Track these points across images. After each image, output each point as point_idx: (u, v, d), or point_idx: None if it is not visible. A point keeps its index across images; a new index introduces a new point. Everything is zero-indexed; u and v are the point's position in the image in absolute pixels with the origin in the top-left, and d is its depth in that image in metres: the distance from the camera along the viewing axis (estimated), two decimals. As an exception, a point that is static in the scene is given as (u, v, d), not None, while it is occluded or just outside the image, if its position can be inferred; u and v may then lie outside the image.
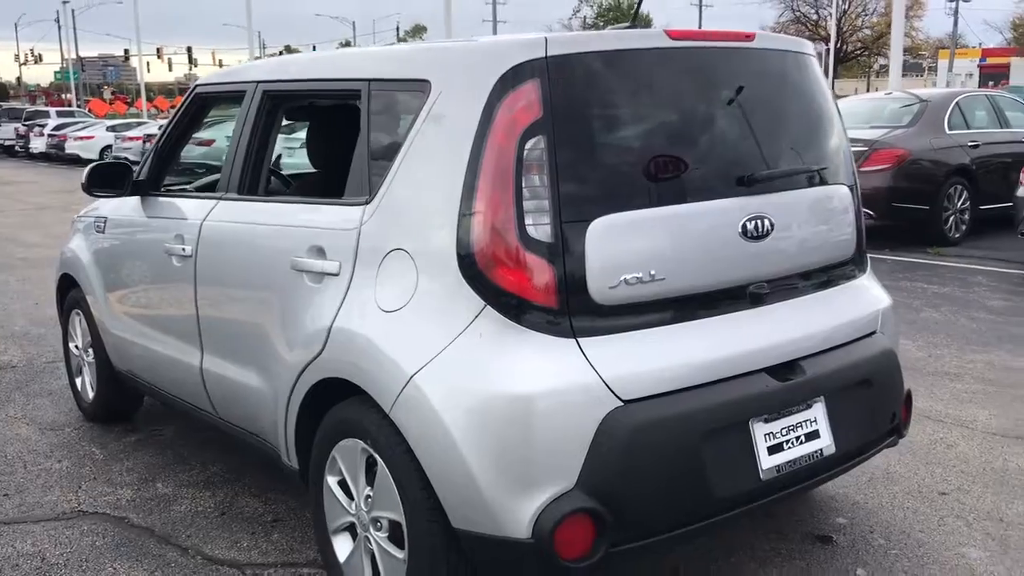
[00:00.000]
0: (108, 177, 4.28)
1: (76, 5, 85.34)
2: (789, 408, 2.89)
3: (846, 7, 66.51)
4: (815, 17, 69.99)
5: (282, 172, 4.92)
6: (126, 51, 76.12)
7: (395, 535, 2.83)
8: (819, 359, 3.01)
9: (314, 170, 4.38)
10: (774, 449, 2.84)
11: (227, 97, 4.01)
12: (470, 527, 2.58)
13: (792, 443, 2.89)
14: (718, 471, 2.69)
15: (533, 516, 2.49)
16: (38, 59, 77.76)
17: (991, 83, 38.50)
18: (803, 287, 3.10)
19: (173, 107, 48.23)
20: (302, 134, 4.80)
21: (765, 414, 2.82)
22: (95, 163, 4.36)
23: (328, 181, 3.81)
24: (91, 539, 3.67)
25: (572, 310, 2.59)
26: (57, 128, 31.21)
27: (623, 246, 2.64)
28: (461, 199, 2.63)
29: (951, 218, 10.13)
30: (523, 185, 2.57)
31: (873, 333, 3.26)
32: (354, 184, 3.11)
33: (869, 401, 3.12)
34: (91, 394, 5.00)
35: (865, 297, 3.32)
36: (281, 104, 3.65)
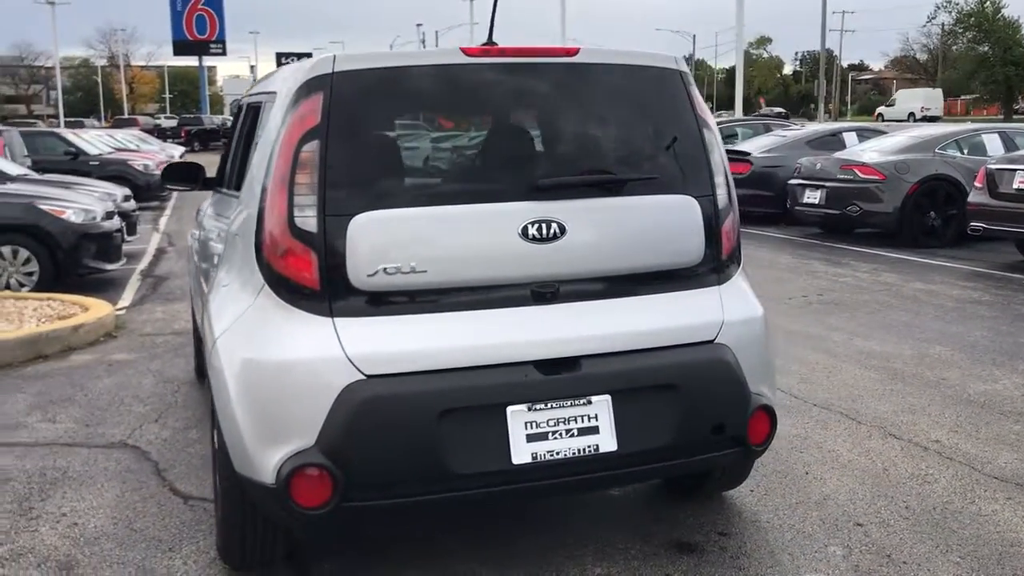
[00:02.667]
0: (182, 174, 5.17)
1: (439, 26, 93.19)
2: (559, 401, 3.05)
3: None
4: None
5: None
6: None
7: (231, 475, 3.36)
8: (606, 359, 3.12)
9: None
10: (535, 437, 3.02)
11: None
12: (242, 471, 3.06)
13: (560, 434, 3.05)
14: (461, 449, 2.95)
15: (276, 465, 2.92)
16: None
17: None
18: (612, 289, 3.21)
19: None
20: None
21: (527, 403, 3.02)
22: (171, 162, 5.28)
23: None
24: (110, 464, 4.56)
25: (332, 293, 2.98)
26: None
27: (384, 240, 2.98)
28: (260, 192, 3.12)
29: None
30: (296, 181, 3.00)
31: (710, 342, 3.28)
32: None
33: (676, 408, 3.16)
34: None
35: (703, 306, 3.33)
36: (250, 113, 4.31)
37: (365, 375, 2.92)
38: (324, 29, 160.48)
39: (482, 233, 3.07)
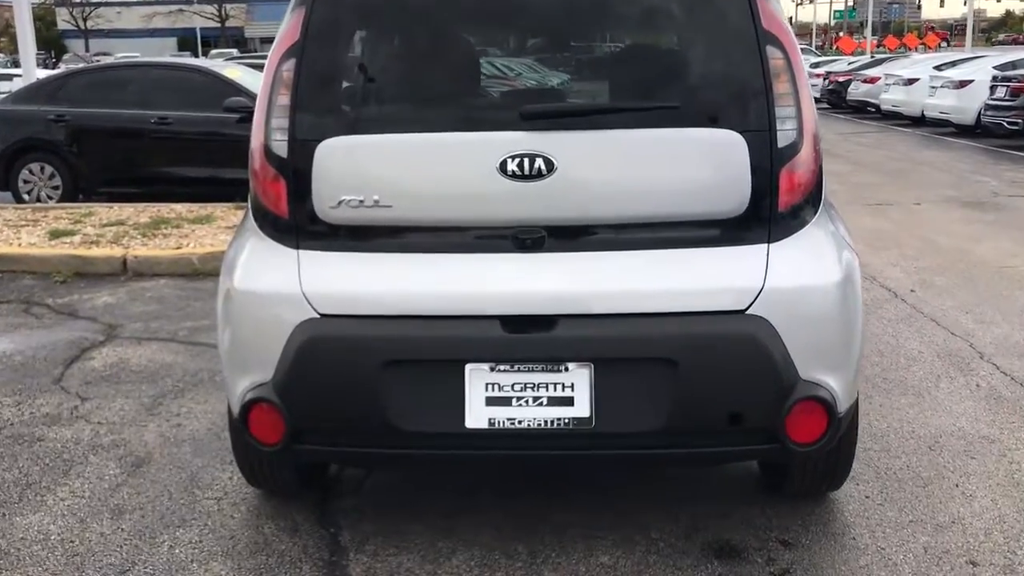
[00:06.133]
0: None
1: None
2: (528, 364, 2.65)
3: None
4: None
5: None
6: (894, -13, 75.38)
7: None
8: (589, 321, 2.65)
9: None
10: (496, 401, 2.66)
11: None
12: (228, 399, 3.03)
13: (527, 401, 2.66)
14: (407, 405, 2.67)
15: (240, 397, 2.85)
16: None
17: None
18: (612, 240, 2.70)
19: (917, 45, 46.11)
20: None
21: (489, 362, 2.66)
22: None
23: None
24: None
25: (299, 223, 2.81)
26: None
27: (345, 168, 2.73)
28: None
29: None
30: (274, 103, 2.82)
31: (740, 312, 2.66)
32: None
33: (675, 387, 2.61)
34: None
35: (736, 268, 2.68)
36: None
37: (319, 314, 2.73)
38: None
39: (455, 166, 2.70)
